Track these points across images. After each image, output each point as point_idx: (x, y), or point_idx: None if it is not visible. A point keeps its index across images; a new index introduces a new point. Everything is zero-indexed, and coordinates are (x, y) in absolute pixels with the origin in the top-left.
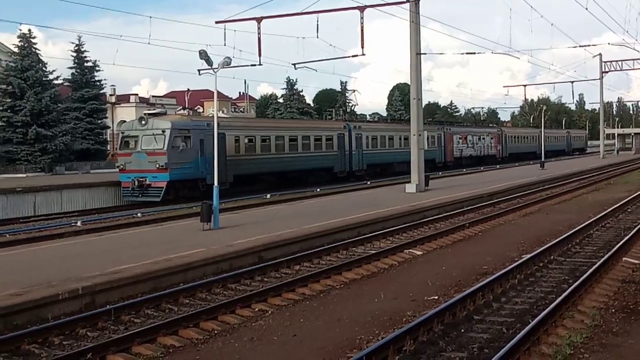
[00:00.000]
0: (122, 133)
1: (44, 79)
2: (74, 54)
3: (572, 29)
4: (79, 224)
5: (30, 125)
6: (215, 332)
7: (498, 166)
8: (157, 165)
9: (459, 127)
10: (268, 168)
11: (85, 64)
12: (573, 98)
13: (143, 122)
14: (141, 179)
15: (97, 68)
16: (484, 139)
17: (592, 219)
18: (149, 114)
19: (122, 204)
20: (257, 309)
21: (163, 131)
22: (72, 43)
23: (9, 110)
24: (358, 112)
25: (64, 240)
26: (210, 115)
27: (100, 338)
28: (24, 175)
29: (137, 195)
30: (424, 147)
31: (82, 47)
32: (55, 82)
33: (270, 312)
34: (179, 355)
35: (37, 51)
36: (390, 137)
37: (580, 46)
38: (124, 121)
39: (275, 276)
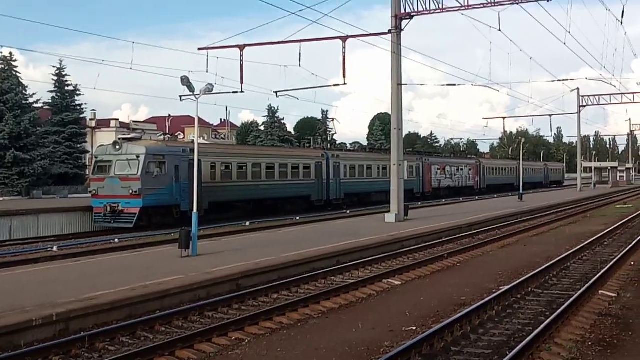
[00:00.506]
0: (96, 158)
1: (23, 102)
2: (55, 78)
3: (551, 63)
4: (55, 249)
5: (9, 149)
6: None
7: (477, 197)
8: (131, 191)
9: (438, 157)
10: (244, 195)
11: (66, 88)
12: (551, 131)
13: (117, 147)
14: (114, 205)
15: (77, 92)
16: (462, 169)
17: (570, 252)
18: (124, 139)
19: (100, 229)
20: (234, 338)
21: (137, 156)
22: (54, 67)
23: None
24: (339, 141)
25: (40, 265)
26: (188, 141)
27: None
28: (1, 198)
29: (109, 221)
30: (404, 177)
31: (64, 71)
32: (35, 105)
33: (247, 341)
34: None
35: (17, 74)
36: (368, 166)
37: (558, 80)
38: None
39: (253, 304)
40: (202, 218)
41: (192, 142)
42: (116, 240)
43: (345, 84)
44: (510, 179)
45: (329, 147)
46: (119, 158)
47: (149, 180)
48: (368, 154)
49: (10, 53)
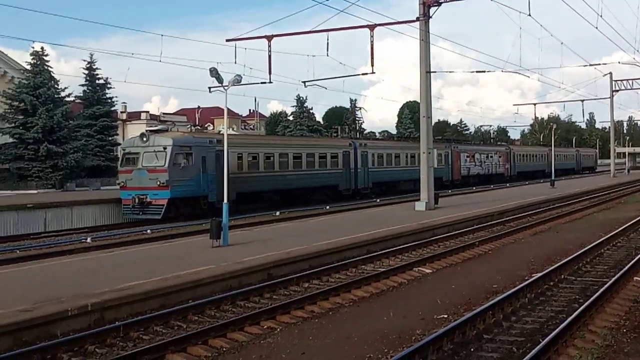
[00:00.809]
0: (124, 150)
1: (55, 96)
2: (86, 72)
3: (582, 47)
4: (89, 240)
5: (42, 142)
6: (224, 349)
7: (508, 184)
8: (158, 183)
9: (467, 145)
10: (271, 186)
11: (97, 82)
12: (583, 117)
13: (144, 139)
14: (142, 197)
15: (108, 85)
16: (491, 157)
17: (603, 238)
18: (151, 131)
19: (130, 220)
20: (265, 327)
21: (164, 148)
22: (84, 61)
23: (20, 127)
24: (367, 130)
25: (74, 256)
26: (216, 132)
27: (108, 355)
28: (35, 191)
29: (138, 212)
30: (433, 165)
31: (94, 65)
32: (67, 99)
33: (279, 329)
34: None
35: (49, 68)
36: (396, 154)
37: (590, 65)
38: None
39: (284, 293)
40: (230, 209)
41: (219, 132)
42: (148, 231)
43: (373, 72)
44: (541, 166)
45: (356, 136)
46: (146, 150)
47: (176, 172)
48: (395, 143)
49: (42, 48)
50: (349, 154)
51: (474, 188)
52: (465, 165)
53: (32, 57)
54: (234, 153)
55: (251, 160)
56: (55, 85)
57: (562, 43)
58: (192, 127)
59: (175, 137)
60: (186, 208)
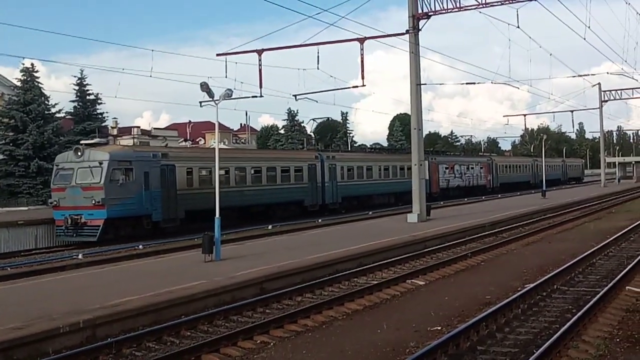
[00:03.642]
0: (57, 165)
1: (46, 112)
2: (76, 87)
3: (571, 58)
4: (80, 256)
5: (32, 159)
6: None
7: (500, 195)
8: (93, 202)
9: (446, 156)
10: (226, 203)
11: (88, 97)
12: (573, 127)
13: (79, 154)
14: (75, 217)
15: (99, 101)
16: (472, 168)
17: (595, 248)
18: (86, 144)
19: (123, 235)
20: (259, 341)
21: (100, 163)
22: (75, 76)
23: (11, 144)
24: (359, 143)
25: (65, 273)
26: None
27: None
28: (26, 208)
29: (72, 234)
30: (425, 177)
31: (85, 81)
32: (58, 115)
33: (272, 344)
34: None
35: (39, 85)
36: (368, 167)
37: (579, 76)
38: None
39: (277, 307)
40: (178, 228)
41: (166, 146)
42: (140, 246)
43: (364, 85)
44: (525, 177)
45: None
46: (80, 165)
47: (113, 189)
48: (367, 155)
49: (32, 64)
50: (315, 167)
51: (466, 199)
52: (445, 177)
53: (22, 74)
54: (182, 168)
55: (203, 175)
56: (46, 102)
57: (550, 54)
58: (184, 142)
59: (113, 151)
60: (126, 229)
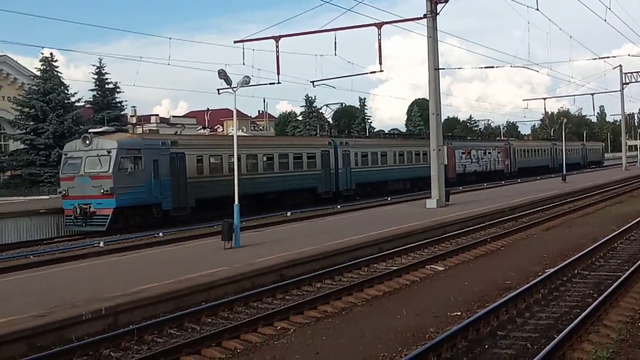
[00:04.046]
0: (65, 154)
1: (66, 101)
2: (95, 76)
3: (592, 41)
4: (101, 244)
5: (53, 148)
6: (238, 351)
7: (519, 180)
8: (102, 190)
9: (462, 141)
10: (239, 190)
11: (107, 86)
12: (594, 110)
13: (87, 142)
14: (84, 206)
15: (118, 89)
16: (489, 153)
17: (616, 232)
18: (94, 133)
19: (132, 224)
20: (279, 327)
21: (108, 152)
22: (93, 65)
23: (31, 133)
24: (377, 128)
25: (87, 260)
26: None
27: (123, 358)
28: (47, 197)
29: (81, 224)
30: (444, 162)
31: (103, 69)
32: (77, 104)
33: (292, 330)
34: None
35: (59, 74)
36: (383, 153)
37: (600, 58)
38: None
39: (297, 294)
40: (189, 217)
41: (176, 134)
42: (160, 234)
43: (382, 70)
44: (544, 161)
45: (366, 134)
46: (89, 154)
47: (122, 178)
48: (381, 140)
49: (51, 54)
50: (329, 153)
51: (485, 184)
52: (461, 162)
53: (41, 63)
54: (192, 156)
55: (213, 163)
56: (65, 91)
57: (570, 37)
58: (203, 129)
59: (121, 140)
60: (136, 218)
